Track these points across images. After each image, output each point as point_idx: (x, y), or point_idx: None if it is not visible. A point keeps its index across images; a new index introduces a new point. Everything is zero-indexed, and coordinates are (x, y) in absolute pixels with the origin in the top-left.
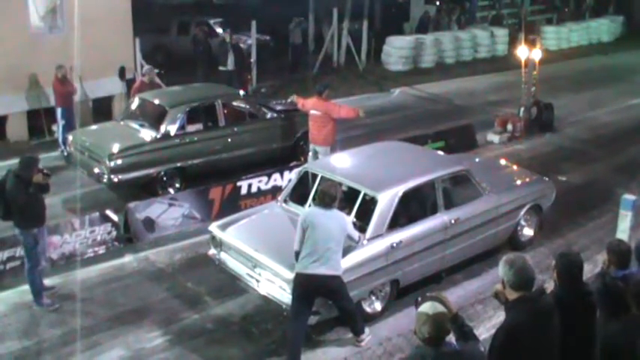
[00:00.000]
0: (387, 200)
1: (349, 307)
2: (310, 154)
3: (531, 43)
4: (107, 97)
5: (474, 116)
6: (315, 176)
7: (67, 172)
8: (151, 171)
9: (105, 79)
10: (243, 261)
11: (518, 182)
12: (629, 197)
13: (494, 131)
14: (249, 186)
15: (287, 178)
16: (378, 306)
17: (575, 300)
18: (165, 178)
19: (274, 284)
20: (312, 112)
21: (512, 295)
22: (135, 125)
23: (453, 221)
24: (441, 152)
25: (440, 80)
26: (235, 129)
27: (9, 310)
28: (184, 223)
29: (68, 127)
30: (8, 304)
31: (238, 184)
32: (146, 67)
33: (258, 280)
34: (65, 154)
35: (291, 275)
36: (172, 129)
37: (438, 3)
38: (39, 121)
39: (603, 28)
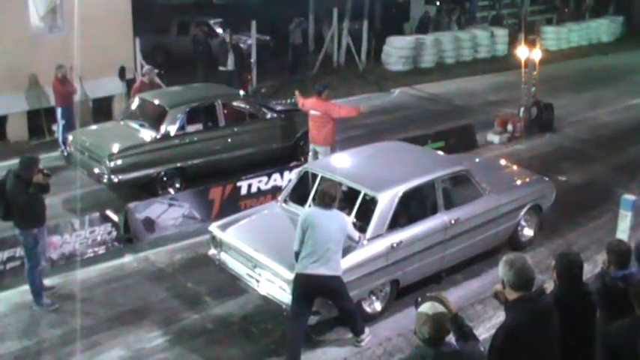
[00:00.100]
0: (387, 200)
1: (349, 307)
2: (310, 154)
3: (531, 44)
4: (107, 97)
5: (473, 116)
6: (315, 176)
7: (67, 172)
8: (151, 171)
9: (105, 79)
10: (243, 261)
11: (518, 182)
12: (629, 197)
13: (494, 131)
14: (249, 186)
15: (287, 179)
16: (378, 306)
17: (574, 300)
18: (165, 179)
19: (274, 284)
20: (312, 112)
21: (512, 295)
22: (135, 125)
23: (453, 221)
24: (441, 152)
25: (440, 80)
26: (235, 129)
27: (9, 310)
28: (184, 224)
29: (68, 127)
30: (8, 304)
31: (238, 184)
32: (146, 67)
33: (258, 281)
34: (65, 154)
35: (291, 275)
36: (172, 129)
37: (438, 3)
38: (39, 121)
39: (603, 29)
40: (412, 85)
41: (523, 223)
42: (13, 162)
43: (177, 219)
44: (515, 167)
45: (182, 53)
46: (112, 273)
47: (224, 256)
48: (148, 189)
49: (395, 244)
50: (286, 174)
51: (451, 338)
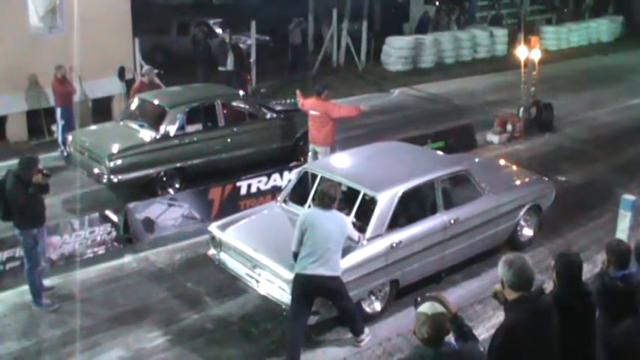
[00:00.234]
0: (386, 200)
1: (349, 307)
2: (310, 154)
3: (531, 43)
4: (107, 97)
5: (473, 116)
6: (314, 176)
7: (66, 172)
8: (151, 171)
9: (104, 80)
10: (242, 261)
11: (518, 182)
12: (628, 197)
13: (493, 131)
14: (249, 186)
15: (286, 179)
16: (377, 306)
17: (574, 300)
18: (164, 179)
19: (274, 284)
20: (312, 112)
21: (511, 295)
22: (134, 125)
23: (452, 221)
24: (440, 152)
25: (439, 80)
26: (235, 129)
27: (8, 310)
28: (184, 224)
29: (68, 128)
30: (8, 305)
31: (238, 184)
32: (146, 67)
33: (257, 281)
34: (65, 154)
35: (290, 275)
36: (172, 129)
37: (437, 3)
38: (38, 121)
39: (603, 28)
40: (412, 85)
41: (522, 223)
42: (13, 162)
43: (176, 219)
44: (514, 167)
45: (182, 53)
46: (112, 273)
47: (224, 256)
48: (147, 189)
49: (394, 244)
50: (286, 174)
51: (450, 338)
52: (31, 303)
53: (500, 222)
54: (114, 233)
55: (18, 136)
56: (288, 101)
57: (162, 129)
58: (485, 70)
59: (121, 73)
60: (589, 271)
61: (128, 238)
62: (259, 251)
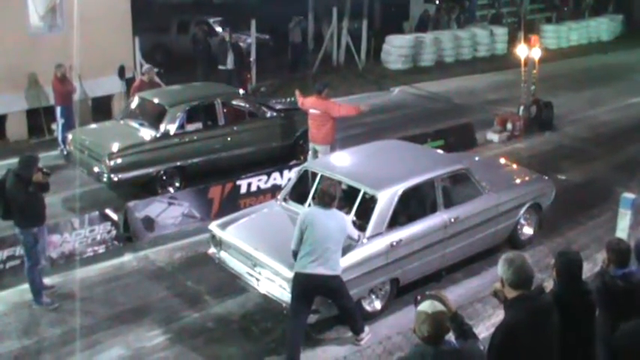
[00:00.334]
0: (386, 199)
1: (349, 306)
2: (310, 153)
3: (531, 42)
4: (106, 96)
5: (473, 115)
6: (314, 175)
7: (66, 171)
8: (151, 170)
9: (104, 78)
10: (243, 260)
11: (518, 181)
12: (628, 196)
13: (493, 130)
14: (249, 185)
15: (286, 177)
16: (377, 304)
17: (574, 299)
18: (164, 177)
19: (274, 283)
20: (312, 111)
21: (511, 293)
22: (134, 124)
23: (452, 220)
24: (440, 151)
25: (439, 79)
26: (235, 128)
27: (9, 309)
28: (184, 222)
29: (68, 126)
30: (8, 303)
31: (238, 183)
32: (146, 66)
33: (258, 279)
34: (65, 153)
35: (291, 274)
36: (172, 128)
37: (437, 2)
38: (38, 120)
39: (603, 27)
40: (412, 84)
41: (523, 221)
42: (13, 161)
43: (176, 218)
44: (514, 166)
45: (181, 52)
46: (112, 272)
47: (224, 255)
48: (147, 188)
49: (394, 243)
50: (286, 173)
51: (451, 336)
52: (32, 302)
53: (501, 220)
54: (114, 232)
55: (18, 135)
56: (288, 100)
57: (162, 128)
58: (485, 68)
59: (121, 71)
60: (589, 269)
61: (128, 236)
62: (259, 250)
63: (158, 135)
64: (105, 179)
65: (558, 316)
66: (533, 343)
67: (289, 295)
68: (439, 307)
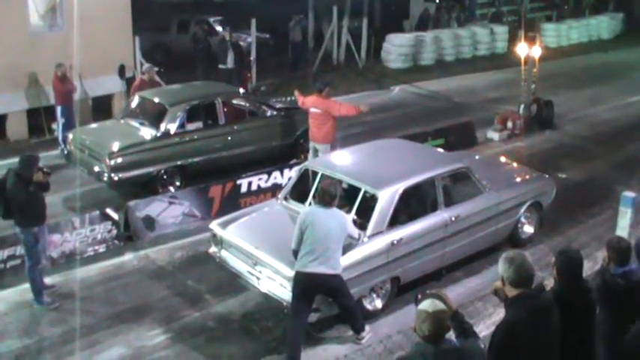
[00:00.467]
0: (387, 198)
1: (350, 305)
2: (310, 152)
3: (531, 41)
4: (107, 95)
5: (473, 114)
6: (315, 174)
7: (67, 170)
8: (151, 169)
9: (105, 78)
10: (243, 259)
11: (519, 179)
12: (628, 194)
13: (494, 128)
14: (249, 184)
15: (287, 176)
16: (378, 303)
17: (574, 297)
18: (165, 177)
19: (275, 282)
20: (312, 109)
21: (511, 292)
22: (135, 124)
23: (453, 219)
24: (440, 150)
25: (440, 78)
26: (235, 127)
27: (9, 308)
28: (184, 221)
29: (68, 126)
30: (9, 303)
31: (238, 182)
32: (146, 65)
33: (258, 278)
34: (65, 152)
35: (291, 273)
36: (172, 127)
37: (437, 0)
38: (39, 119)
39: (603, 26)
40: (412, 83)
41: (523, 220)
42: (13, 160)
43: (177, 217)
44: (515, 164)
45: (182, 51)
46: (113, 271)
47: (225, 254)
48: (148, 187)
49: (395, 242)
50: (286, 172)
51: (451, 335)
52: (32, 301)
53: (501, 219)
54: (114, 231)
55: (18, 135)
56: (289, 99)
57: (162, 127)
58: (485, 67)
59: (121, 71)
60: (589, 268)
61: (129, 236)
62: (260, 249)
63: (158, 134)
64: (105, 178)
65: (559, 314)
66: (533, 342)
67: (290, 294)
68: (440, 305)
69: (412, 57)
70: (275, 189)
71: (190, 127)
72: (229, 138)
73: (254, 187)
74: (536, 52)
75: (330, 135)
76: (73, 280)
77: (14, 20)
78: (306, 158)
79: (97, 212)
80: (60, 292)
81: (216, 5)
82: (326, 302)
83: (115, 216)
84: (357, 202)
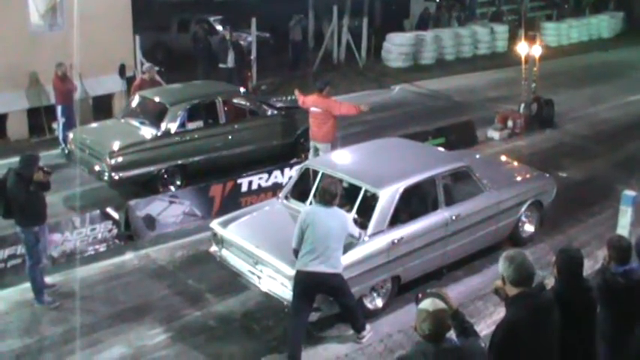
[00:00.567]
0: (388, 196)
1: (350, 304)
2: (311, 151)
3: (531, 40)
4: (107, 94)
5: (474, 113)
6: (316, 173)
7: (67, 169)
8: (152, 168)
9: (105, 77)
10: (244, 258)
11: (519, 178)
12: (629, 193)
13: (494, 127)
14: (250, 183)
15: (287, 176)
16: (379, 302)
17: (575, 296)
18: (165, 176)
19: (276, 281)
20: (313, 109)
21: (512, 291)
22: (135, 123)
23: (453, 217)
24: (441, 149)
25: (440, 77)
26: (236, 126)
27: (10, 307)
28: (185, 221)
29: (68, 125)
30: (9, 302)
31: (239, 181)
32: (146, 64)
33: (259, 277)
34: (66, 151)
35: (292, 272)
36: (173, 126)
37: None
38: (39, 119)
39: (603, 25)
40: (412, 82)
41: (524, 219)
42: (14, 160)
43: (177, 216)
44: (515, 163)
45: (182, 51)
46: (113, 270)
47: (225, 253)
48: (148, 186)
49: (396, 241)
50: (287, 171)
51: (452, 334)
52: (33, 300)
53: (502, 218)
54: (115, 231)
55: (19, 134)
56: (289, 98)
57: (163, 126)
58: (485, 66)
59: (122, 70)
60: (590, 267)
61: (129, 235)
62: (261, 248)
63: (159, 133)
64: (106, 178)
65: (559, 313)
66: (534, 341)
67: (291, 293)
68: (440, 304)
69: (412, 56)
70: (275, 188)
71: (191, 126)
72: (230, 137)
73: (254, 187)
74: (536, 51)
75: (330, 134)
76: (74, 280)
77: (14, 20)
78: (306, 157)
79: (98, 211)
80: (60, 291)
81: (216, 4)
82: (327, 301)
83: (116, 215)
84: (357, 201)
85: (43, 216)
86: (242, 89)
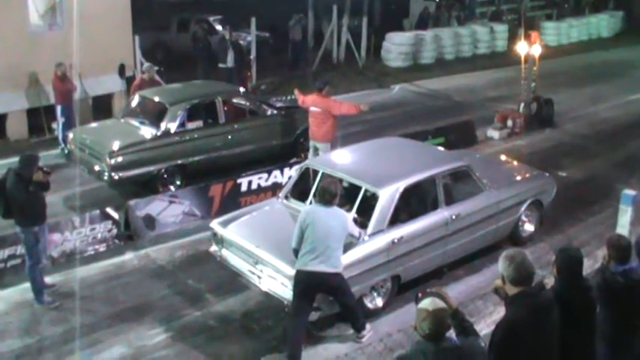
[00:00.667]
0: (388, 196)
1: (350, 304)
2: (310, 150)
3: (531, 39)
4: (107, 94)
5: (473, 112)
6: (315, 173)
7: (67, 169)
8: (152, 168)
9: (105, 77)
10: (244, 257)
11: (519, 178)
12: (629, 192)
13: (494, 127)
14: (249, 183)
15: (287, 175)
16: (379, 302)
17: (574, 295)
18: (165, 176)
19: (276, 280)
20: (312, 108)
21: (512, 290)
22: (135, 123)
23: (453, 217)
24: (441, 148)
25: (440, 76)
26: (235, 126)
27: (10, 308)
28: (185, 221)
29: (68, 125)
30: (9, 302)
31: (238, 181)
32: (146, 64)
33: (259, 277)
34: (65, 151)
35: (292, 271)
36: (173, 126)
37: None
38: (39, 119)
39: (603, 24)
40: (412, 82)
41: (524, 218)
42: (13, 160)
43: (177, 216)
44: (515, 163)
45: (182, 50)
46: (113, 270)
47: (225, 253)
48: (148, 186)
49: (396, 240)
50: (286, 171)
51: (452, 333)
52: (33, 300)
53: (502, 217)
54: (115, 230)
55: (18, 134)
56: (289, 98)
57: (162, 126)
58: (485, 65)
59: (122, 70)
60: (590, 266)
61: (129, 235)
62: (261, 247)
63: (159, 133)
64: (106, 177)
65: (559, 312)
66: (533, 340)
67: (291, 293)
68: (440, 304)
69: (412, 56)
70: (275, 188)
71: (190, 126)
72: (229, 137)
73: (254, 186)
74: (536, 50)
75: (330, 134)
76: (74, 280)
77: (14, 20)
78: (306, 157)
79: (98, 211)
80: (60, 291)
81: (216, 4)
82: (327, 301)
83: (116, 215)
84: (357, 200)
85: (43, 216)
86: (242, 89)
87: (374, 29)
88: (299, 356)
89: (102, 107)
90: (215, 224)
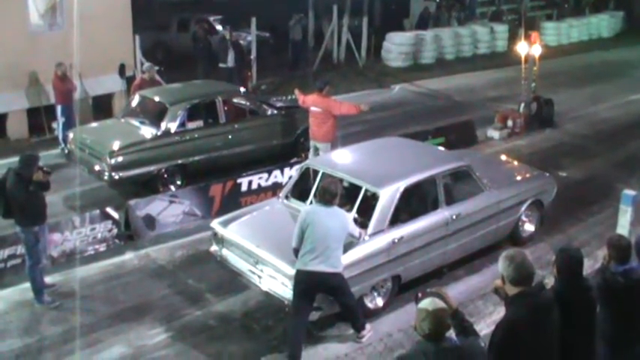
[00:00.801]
0: (388, 196)
1: (350, 303)
2: (311, 150)
3: (531, 39)
4: (107, 94)
5: (474, 112)
6: (316, 173)
7: (67, 169)
8: (152, 168)
9: (105, 77)
10: (244, 257)
11: (519, 178)
12: (629, 192)
13: (494, 127)
14: (250, 183)
15: (287, 175)
16: (379, 301)
17: (575, 295)
18: (166, 175)
19: (276, 280)
20: (313, 108)
21: (512, 290)
22: (135, 122)
23: (454, 217)
24: (441, 148)
25: (440, 76)
26: (236, 126)
27: (10, 307)
28: (185, 221)
29: (68, 125)
30: (9, 302)
31: (239, 180)
32: (146, 64)
33: (260, 277)
34: (65, 151)
35: (292, 271)
36: (173, 126)
37: None
38: (39, 118)
39: (603, 24)
40: (412, 82)
41: (524, 218)
42: (14, 160)
43: (177, 216)
44: (515, 163)
45: (182, 50)
46: (113, 270)
47: (226, 253)
48: (148, 186)
49: (396, 240)
50: (287, 171)
51: (452, 333)
52: (33, 300)
53: (502, 217)
54: (115, 230)
55: (18, 134)
56: (289, 97)
57: (163, 126)
58: (485, 65)
59: (122, 70)
60: (590, 266)
61: (129, 235)
62: (261, 247)
63: (159, 133)
64: (106, 177)
65: (559, 312)
66: (533, 340)
67: (291, 293)
68: (440, 304)
69: (412, 56)
70: (275, 188)
71: (191, 125)
72: (230, 137)
73: (254, 186)
74: (536, 50)
75: (330, 134)
76: (74, 279)
77: (14, 19)
78: (306, 157)
79: (98, 211)
80: (60, 291)
81: (216, 4)
82: (327, 301)
83: (116, 215)
84: (358, 200)
85: (43, 216)
86: (242, 89)
87: (374, 29)
88: (299, 356)
89: (102, 107)
90: (215, 224)
